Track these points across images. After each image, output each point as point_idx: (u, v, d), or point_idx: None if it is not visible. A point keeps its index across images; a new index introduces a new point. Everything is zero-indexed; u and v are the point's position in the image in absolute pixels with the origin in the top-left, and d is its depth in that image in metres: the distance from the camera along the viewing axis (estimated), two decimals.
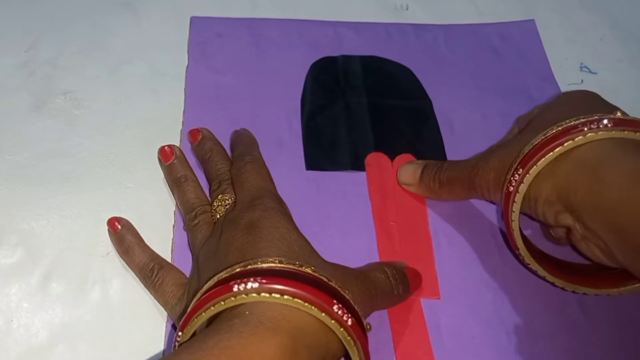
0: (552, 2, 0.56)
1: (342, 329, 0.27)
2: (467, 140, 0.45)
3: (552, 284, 0.36)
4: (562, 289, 0.36)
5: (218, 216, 0.36)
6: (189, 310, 0.29)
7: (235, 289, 0.27)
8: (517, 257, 0.37)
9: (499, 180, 0.36)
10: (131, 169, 0.41)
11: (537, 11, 0.54)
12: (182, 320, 0.29)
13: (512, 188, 0.34)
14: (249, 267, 0.29)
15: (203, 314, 0.28)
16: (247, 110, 0.44)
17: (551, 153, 0.33)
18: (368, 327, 0.30)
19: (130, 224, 0.38)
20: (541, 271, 0.36)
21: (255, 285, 0.27)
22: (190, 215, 0.37)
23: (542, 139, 0.34)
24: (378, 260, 0.39)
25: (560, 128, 0.34)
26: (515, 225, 0.35)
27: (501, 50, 0.51)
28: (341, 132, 0.44)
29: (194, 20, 0.50)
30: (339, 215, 0.40)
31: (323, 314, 0.27)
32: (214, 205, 0.37)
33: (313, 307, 0.27)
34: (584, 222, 0.33)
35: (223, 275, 0.29)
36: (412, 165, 0.41)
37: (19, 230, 0.38)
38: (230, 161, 0.40)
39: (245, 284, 0.27)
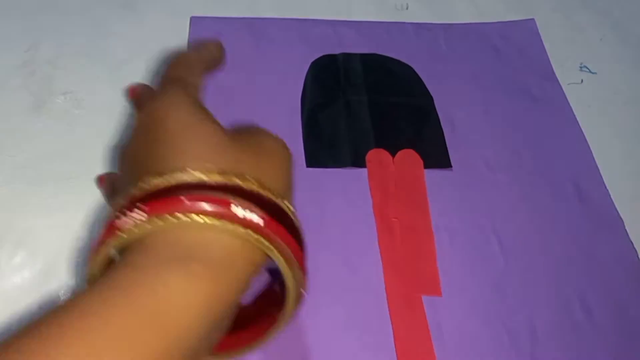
0: (552, 2, 0.56)
1: (253, 234, 0.24)
2: (468, 138, 0.45)
3: None
4: None
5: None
6: (96, 240, 0.26)
7: (121, 226, 0.24)
8: None
9: None
10: None
11: (537, 11, 0.54)
12: (87, 263, 0.26)
13: None
14: (132, 195, 0.25)
15: (96, 259, 0.25)
16: (247, 108, 0.44)
17: None
18: (292, 209, 0.27)
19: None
20: None
21: (143, 216, 0.24)
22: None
23: None
24: (379, 259, 0.38)
25: None
26: None
27: (502, 49, 0.51)
28: (341, 130, 0.44)
29: (194, 20, 0.50)
30: (339, 212, 0.40)
31: (227, 224, 0.24)
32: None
33: (213, 219, 0.24)
34: None
35: (120, 201, 0.26)
36: None
37: (19, 230, 0.38)
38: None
39: (133, 217, 0.24)
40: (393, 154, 0.43)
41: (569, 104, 0.47)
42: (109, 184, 0.38)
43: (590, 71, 0.51)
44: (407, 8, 0.54)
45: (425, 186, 0.42)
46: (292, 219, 0.27)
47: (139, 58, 0.47)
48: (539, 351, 0.35)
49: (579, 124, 0.46)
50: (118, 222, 0.25)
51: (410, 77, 0.48)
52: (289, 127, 0.44)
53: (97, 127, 0.43)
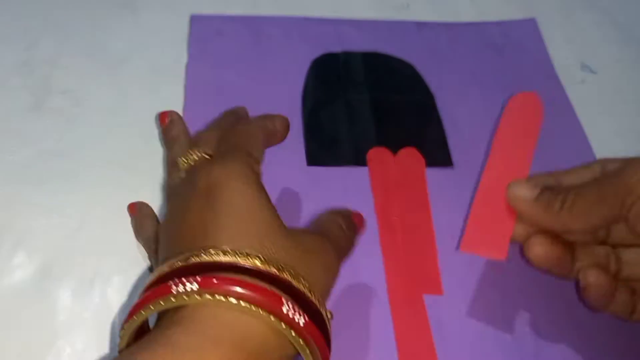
0: (552, 2, 0.56)
1: (293, 333, 0.25)
2: (470, 136, 0.45)
3: None
4: None
5: (183, 175, 0.34)
6: (131, 308, 0.27)
7: (174, 290, 0.25)
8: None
9: None
10: (131, 167, 0.41)
11: (537, 11, 0.54)
12: (125, 317, 0.27)
13: None
14: (190, 262, 0.26)
15: (143, 312, 0.26)
16: (248, 107, 0.44)
17: None
18: (329, 315, 0.28)
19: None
20: None
21: (195, 287, 0.25)
22: (169, 176, 0.36)
23: None
24: (381, 257, 0.38)
25: None
26: None
27: (503, 49, 0.51)
28: (342, 128, 0.44)
29: (194, 18, 0.50)
30: None
31: (272, 318, 0.25)
32: (180, 162, 0.34)
33: (261, 311, 0.25)
34: None
35: (165, 269, 0.27)
36: (529, 181, 0.35)
37: (19, 229, 0.38)
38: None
39: (184, 285, 0.25)
40: (394, 153, 0.43)
41: (570, 103, 0.47)
42: (143, 218, 0.37)
43: (591, 71, 0.51)
44: (408, 6, 0.54)
45: (427, 185, 0.42)
46: (327, 326, 0.28)
47: (139, 57, 0.47)
48: (542, 350, 0.35)
49: (580, 123, 0.46)
50: (172, 286, 0.25)
51: (412, 76, 0.48)
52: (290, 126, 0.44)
53: (97, 126, 0.43)
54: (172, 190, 0.35)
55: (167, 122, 0.40)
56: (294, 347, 0.26)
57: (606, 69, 0.51)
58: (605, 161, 0.35)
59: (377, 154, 0.43)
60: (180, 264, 0.26)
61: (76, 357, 0.34)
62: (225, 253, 0.26)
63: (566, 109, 0.47)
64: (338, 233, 0.33)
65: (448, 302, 0.37)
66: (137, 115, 0.44)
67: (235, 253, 0.26)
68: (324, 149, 0.43)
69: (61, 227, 0.38)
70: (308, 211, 0.39)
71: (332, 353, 0.30)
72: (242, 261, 0.26)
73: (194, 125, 0.43)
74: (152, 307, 0.26)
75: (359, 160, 0.43)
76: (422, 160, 0.43)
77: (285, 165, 0.41)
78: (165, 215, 0.34)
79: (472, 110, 0.46)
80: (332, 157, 0.43)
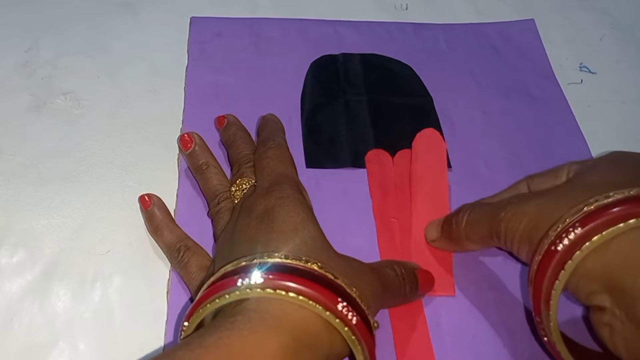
0: (551, 2, 0.56)
1: (346, 328, 0.27)
2: (468, 138, 0.45)
3: None
4: None
5: (236, 201, 0.36)
6: (194, 301, 0.29)
7: (239, 283, 0.27)
8: (534, 322, 0.33)
9: (532, 231, 0.31)
10: (131, 168, 0.41)
11: (536, 11, 0.55)
12: (188, 311, 0.29)
13: (561, 247, 0.29)
14: (255, 261, 0.28)
15: (208, 305, 0.28)
16: (247, 109, 0.44)
17: (622, 224, 0.28)
18: (375, 325, 0.29)
19: (161, 201, 0.39)
20: (566, 355, 0.31)
21: (260, 280, 0.27)
22: (213, 202, 0.37)
23: (608, 203, 0.29)
24: (379, 257, 0.39)
25: (632, 193, 0.29)
26: (555, 296, 0.30)
27: (501, 49, 0.51)
28: (341, 130, 0.44)
29: (194, 20, 0.50)
30: (339, 212, 0.40)
31: (327, 313, 0.27)
32: (232, 190, 0.37)
33: (317, 306, 0.27)
34: (632, 310, 0.28)
35: (229, 267, 0.29)
36: (435, 221, 0.39)
37: (19, 230, 0.38)
38: (253, 146, 0.40)
39: (250, 279, 0.27)
40: (392, 154, 0.43)
41: (567, 103, 0.48)
42: (158, 220, 0.38)
43: (589, 71, 0.51)
44: (407, 8, 0.54)
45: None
46: (373, 333, 0.29)
47: (139, 58, 0.48)
48: (539, 350, 0.35)
49: (577, 124, 0.46)
50: (237, 279, 0.27)
51: (410, 77, 0.48)
52: (289, 127, 0.44)
53: (97, 127, 0.43)
54: (220, 214, 0.36)
55: (192, 147, 0.40)
56: (342, 346, 0.28)
57: (605, 69, 0.51)
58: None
59: (375, 156, 0.43)
60: (244, 263, 0.29)
61: (77, 357, 0.34)
62: (286, 257, 0.29)
63: (564, 110, 0.47)
64: (390, 273, 0.34)
65: (446, 303, 0.37)
66: (137, 115, 0.44)
67: (295, 257, 0.29)
68: (323, 150, 0.43)
69: (62, 227, 0.39)
70: None
71: None
72: (302, 265, 0.28)
73: (195, 126, 0.43)
74: (217, 300, 0.27)
75: (357, 162, 0.43)
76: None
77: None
78: (221, 232, 0.35)
79: (470, 112, 0.46)
80: (330, 159, 0.43)
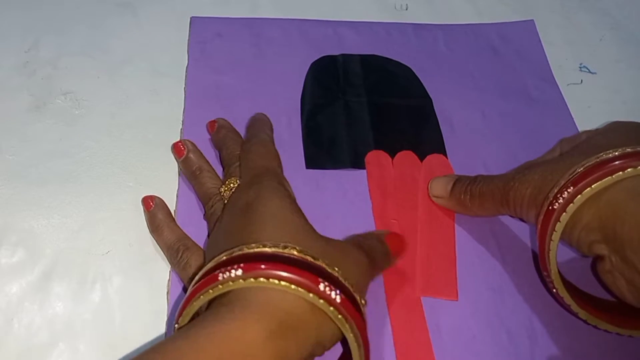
0: (551, 3, 0.56)
1: (331, 308, 0.27)
2: (467, 139, 0.45)
3: (576, 314, 0.35)
4: (585, 321, 0.35)
5: (226, 201, 0.36)
6: (182, 300, 0.29)
7: (220, 277, 0.28)
8: (544, 279, 0.36)
9: (537, 196, 0.34)
10: (131, 168, 0.41)
11: (536, 12, 0.55)
12: (178, 310, 0.29)
13: (557, 205, 0.33)
14: (234, 254, 0.29)
15: (194, 303, 0.28)
16: (247, 109, 0.44)
17: (610, 177, 0.31)
18: (363, 302, 0.29)
19: (163, 203, 0.39)
20: (567, 298, 0.34)
21: (239, 272, 0.28)
22: (207, 205, 0.38)
23: (597, 161, 0.32)
24: None
25: (617, 153, 0.32)
26: (553, 246, 0.33)
27: (501, 50, 0.51)
28: (341, 131, 0.44)
29: (194, 20, 0.50)
30: (339, 213, 0.40)
31: (310, 295, 0.27)
32: (222, 191, 0.37)
33: (299, 289, 0.27)
34: (624, 253, 0.31)
35: (210, 265, 0.29)
36: (444, 178, 0.41)
37: (19, 230, 0.38)
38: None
39: (230, 272, 0.28)
40: (392, 155, 0.43)
41: (566, 105, 0.48)
42: (159, 221, 0.38)
43: (589, 71, 0.51)
44: (407, 8, 0.54)
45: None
46: (362, 311, 0.29)
47: (139, 58, 0.48)
48: (538, 352, 0.35)
49: (576, 126, 0.46)
50: (218, 275, 0.28)
51: (410, 79, 0.48)
52: (288, 128, 0.44)
53: (97, 127, 0.43)
54: (213, 216, 0.37)
55: (185, 154, 0.40)
56: (332, 329, 0.29)
57: (605, 70, 0.51)
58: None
59: (375, 157, 0.43)
60: (224, 257, 0.29)
61: (77, 358, 0.34)
62: (265, 246, 0.29)
63: (563, 112, 0.47)
64: (372, 243, 0.35)
65: (445, 304, 0.37)
66: (137, 115, 0.44)
67: (274, 245, 0.29)
68: (323, 151, 0.43)
69: (62, 227, 0.39)
70: (306, 213, 0.39)
71: (331, 356, 0.30)
72: (280, 251, 0.29)
73: (195, 126, 0.43)
74: (202, 296, 0.28)
75: (357, 163, 0.43)
76: (419, 163, 0.43)
77: (284, 168, 0.41)
78: (211, 232, 0.36)
79: (470, 113, 0.46)
80: (330, 160, 0.43)
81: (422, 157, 0.43)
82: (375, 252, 0.35)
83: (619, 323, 0.34)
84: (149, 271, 0.37)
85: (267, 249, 0.29)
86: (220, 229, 0.34)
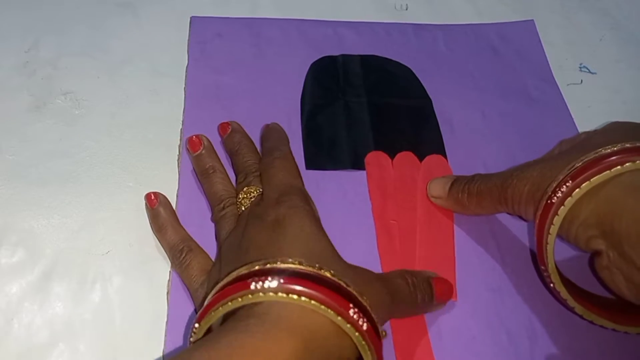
0: (551, 3, 0.56)
1: (357, 334, 0.27)
2: (467, 140, 0.45)
3: (573, 309, 0.35)
4: (581, 316, 0.35)
5: (243, 208, 0.36)
6: (206, 303, 0.29)
7: (252, 286, 0.27)
8: (541, 274, 0.36)
9: (535, 193, 0.35)
10: (131, 168, 0.41)
11: (536, 12, 0.55)
12: (199, 313, 0.29)
13: (555, 199, 0.33)
14: (269, 265, 0.29)
15: (220, 308, 0.28)
16: (247, 109, 0.44)
17: (608, 171, 0.32)
18: (383, 334, 0.30)
19: (167, 200, 0.39)
20: (564, 293, 0.34)
21: (274, 284, 0.27)
22: (218, 206, 0.38)
23: (596, 156, 0.32)
24: (379, 262, 0.38)
25: (616, 148, 0.32)
26: (551, 240, 0.33)
27: (501, 50, 0.51)
28: (341, 132, 0.44)
29: (194, 20, 0.50)
30: (339, 214, 0.40)
31: (339, 318, 0.27)
32: (239, 197, 0.37)
33: (329, 310, 0.27)
34: (622, 249, 0.32)
35: (242, 271, 0.29)
36: (442, 178, 0.41)
37: (19, 230, 0.38)
38: (257, 154, 0.40)
39: (263, 282, 0.27)
40: (392, 156, 0.43)
41: (566, 105, 0.48)
42: (163, 220, 0.38)
43: (589, 71, 0.51)
44: (406, 8, 0.54)
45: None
46: (381, 342, 0.29)
47: (139, 58, 0.48)
48: (538, 352, 0.35)
49: (575, 126, 0.46)
50: (250, 282, 0.28)
51: (410, 79, 0.48)
52: (288, 128, 0.44)
53: (98, 127, 0.44)
54: (224, 219, 0.37)
55: (199, 150, 0.40)
56: (351, 353, 0.29)
57: (605, 70, 0.51)
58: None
59: (375, 158, 0.43)
60: (258, 267, 0.29)
61: (77, 358, 0.34)
62: (300, 263, 0.29)
63: (562, 113, 0.47)
64: (400, 283, 0.35)
65: (445, 305, 0.37)
66: (137, 115, 0.44)
67: (309, 264, 0.29)
68: (323, 152, 0.43)
69: (62, 227, 0.39)
70: None
71: None
72: (315, 271, 0.29)
73: (195, 126, 0.43)
74: (230, 303, 0.28)
75: (357, 163, 0.43)
76: (419, 164, 0.43)
77: None
78: (227, 237, 0.36)
79: (469, 113, 0.46)
80: (330, 161, 0.43)
81: (422, 158, 0.43)
82: (399, 291, 0.34)
83: (615, 319, 0.34)
84: (149, 271, 0.37)
85: (301, 267, 0.29)
86: (244, 238, 0.33)
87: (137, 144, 0.43)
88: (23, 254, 0.37)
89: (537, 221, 0.34)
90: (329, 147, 0.44)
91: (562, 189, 0.33)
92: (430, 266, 0.38)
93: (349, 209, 0.41)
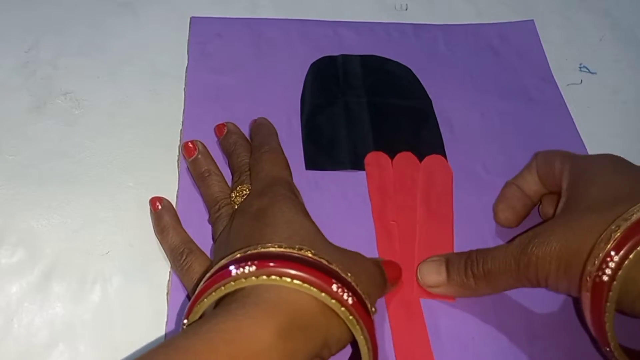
0: (551, 3, 0.56)
1: (343, 308, 0.27)
2: (467, 140, 0.45)
3: None
4: None
5: (236, 207, 0.36)
6: (192, 297, 0.29)
7: (233, 273, 0.28)
8: (605, 354, 0.33)
9: (568, 269, 0.32)
10: (131, 168, 0.41)
11: (536, 12, 0.54)
12: (186, 308, 0.29)
13: (605, 277, 0.30)
14: (249, 252, 0.29)
15: (205, 300, 0.28)
16: (247, 109, 0.44)
17: None
18: (373, 310, 0.30)
19: (171, 205, 0.39)
20: None
21: (253, 268, 0.28)
22: (214, 208, 0.38)
23: (632, 222, 0.30)
24: None
25: None
26: (610, 319, 0.30)
27: (500, 51, 0.51)
28: (341, 132, 0.44)
29: (194, 21, 0.50)
30: (338, 214, 0.40)
31: (322, 294, 0.27)
32: (232, 196, 0.37)
33: (312, 288, 0.27)
34: None
35: (223, 262, 0.29)
36: (431, 263, 0.37)
37: (19, 230, 0.38)
38: None
39: (243, 268, 0.28)
40: (392, 156, 0.43)
41: (566, 105, 0.48)
42: (165, 222, 0.38)
43: (589, 71, 0.51)
44: (406, 9, 0.54)
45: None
46: (372, 317, 0.29)
47: (139, 58, 0.48)
48: (538, 353, 0.35)
49: (575, 126, 0.46)
50: (232, 271, 0.28)
51: (409, 79, 0.48)
52: (288, 129, 0.44)
53: (97, 127, 0.44)
54: (220, 220, 0.37)
55: (194, 155, 0.40)
56: (341, 331, 0.29)
57: (604, 70, 0.51)
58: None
59: (374, 159, 0.43)
60: (238, 255, 0.29)
61: (77, 358, 0.34)
62: (280, 246, 0.29)
63: (562, 113, 0.47)
64: (372, 266, 0.35)
65: (444, 305, 0.37)
66: (137, 116, 0.44)
67: (289, 247, 0.29)
68: (322, 152, 0.43)
69: (62, 227, 0.39)
70: None
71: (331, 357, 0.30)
72: (295, 252, 0.29)
73: (194, 127, 0.43)
74: (213, 293, 0.28)
75: (356, 164, 0.43)
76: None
77: None
78: (219, 235, 0.36)
79: (469, 114, 0.46)
80: (330, 161, 0.43)
81: (421, 158, 0.43)
82: (376, 276, 0.34)
83: None
84: (149, 272, 0.37)
85: (281, 249, 0.29)
86: (231, 231, 0.34)
87: (137, 144, 0.43)
88: (23, 254, 0.37)
89: (589, 302, 0.31)
90: (329, 147, 0.44)
91: (609, 265, 0.30)
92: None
93: (348, 210, 0.41)
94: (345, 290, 0.28)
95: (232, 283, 0.28)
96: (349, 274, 0.29)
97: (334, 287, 0.27)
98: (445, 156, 0.44)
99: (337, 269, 0.29)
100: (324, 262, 0.29)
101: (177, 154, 0.42)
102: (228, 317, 0.26)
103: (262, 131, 0.41)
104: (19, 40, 0.48)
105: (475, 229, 0.40)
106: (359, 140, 0.44)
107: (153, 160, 0.42)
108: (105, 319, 0.35)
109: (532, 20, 0.53)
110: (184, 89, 0.46)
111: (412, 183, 0.42)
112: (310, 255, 0.29)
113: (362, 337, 0.28)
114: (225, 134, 0.42)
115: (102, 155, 0.42)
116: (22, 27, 0.48)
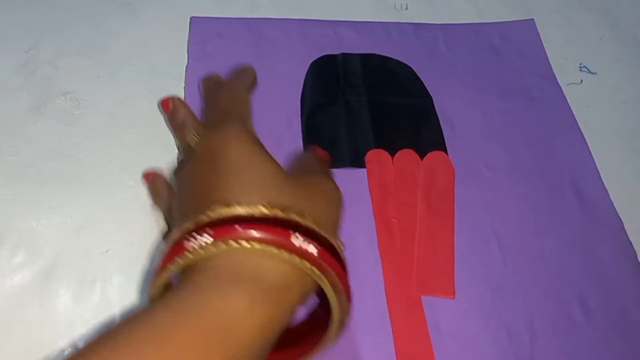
0: (551, 2, 0.56)
1: (307, 264, 0.26)
2: (468, 138, 0.45)
3: None
4: None
5: None
6: (152, 276, 0.28)
7: (188, 246, 0.27)
8: None
9: None
10: (131, 168, 0.41)
11: (536, 11, 0.54)
12: (151, 280, 0.28)
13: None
14: (202, 221, 0.28)
15: (163, 274, 0.27)
16: None
17: None
18: (341, 247, 0.29)
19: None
20: None
21: (209, 239, 0.27)
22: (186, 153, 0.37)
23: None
24: (379, 260, 0.38)
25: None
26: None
27: (501, 50, 0.51)
28: (341, 130, 0.44)
29: (194, 21, 0.50)
30: None
31: (285, 254, 0.26)
32: (194, 140, 0.36)
33: (272, 248, 0.26)
34: None
35: (176, 235, 0.28)
36: None
37: (19, 230, 0.38)
38: (203, 130, 0.39)
39: (199, 240, 0.27)
40: (392, 154, 0.43)
41: (568, 104, 0.48)
42: (158, 186, 0.38)
43: (589, 71, 0.51)
44: (406, 8, 0.54)
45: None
46: (340, 256, 0.28)
47: (139, 58, 0.48)
48: (538, 351, 0.35)
49: (577, 124, 0.46)
50: (186, 244, 0.27)
51: (410, 78, 0.48)
52: (288, 127, 0.44)
53: (98, 127, 0.43)
54: (178, 168, 0.36)
55: (170, 109, 0.40)
56: (313, 279, 0.27)
57: (604, 69, 0.51)
58: None
59: (375, 156, 0.43)
60: (190, 225, 0.28)
61: None
62: (229, 206, 0.28)
63: (564, 111, 0.47)
64: (319, 166, 0.35)
65: (446, 303, 0.37)
66: (137, 115, 0.44)
67: (239, 204, 0.28)
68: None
69: (62, 227, 0.39)
70: None
71: (330, 354, 0.30)
72: (247, 210, 0.27)
73: None
74: (172, 267, 0.27)
75: (357, 161, 0.43)
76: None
77: (284, 166, 0.41)
78: (177, 173, 0.35)
79: (470, 112, 0.46)
80: (330, 159, 0.43)
81: (422, 156, 0.43)
82: (334, 194, 0.34)
83: None
84: (149, 271, 0.37)
85: (234, 211, 0.28)
86: (184, 180, 0.32)
87: (137, 144, 0.43)
88: (23, 254, 0.37)
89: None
90: (329, 145, 0.44)
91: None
92: (430, 264, 0.38)
93: (349, 207, 0.40)
94: (309, 241, 0.27)
95: (190, 256, 0.27)
96: (308, 217, 0.28)
97: (293, 239, 0.26)
98: (446, 154, 0.44)
99: (295, 217, 0.27)
100: (279, 213, 0.27)
101: (177, 153, 0.42)
102: (196, 290, 0.26)
103: (234, 72, 0.40)
104: (19, 40, 0.48)
105: (476, 227, 0.40)
106: (359, 139, 0.44)
107: (153, 160, 0.42)
108: (105, 318, 0.35)
109: (532, 19, 0.53)
110: (184, 88, 0.46)
111: (412, 180, 0.42)
112: (263, 209, 0.27)
113: (329, 289, 0.27)
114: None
115: (102, 155, 0.42)
116: (22, 27, 0.48)
